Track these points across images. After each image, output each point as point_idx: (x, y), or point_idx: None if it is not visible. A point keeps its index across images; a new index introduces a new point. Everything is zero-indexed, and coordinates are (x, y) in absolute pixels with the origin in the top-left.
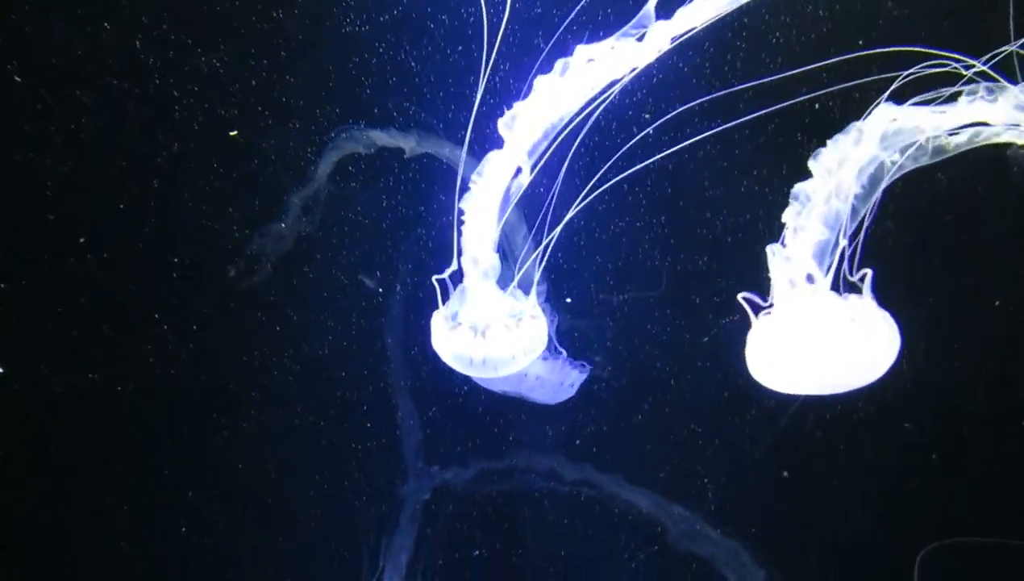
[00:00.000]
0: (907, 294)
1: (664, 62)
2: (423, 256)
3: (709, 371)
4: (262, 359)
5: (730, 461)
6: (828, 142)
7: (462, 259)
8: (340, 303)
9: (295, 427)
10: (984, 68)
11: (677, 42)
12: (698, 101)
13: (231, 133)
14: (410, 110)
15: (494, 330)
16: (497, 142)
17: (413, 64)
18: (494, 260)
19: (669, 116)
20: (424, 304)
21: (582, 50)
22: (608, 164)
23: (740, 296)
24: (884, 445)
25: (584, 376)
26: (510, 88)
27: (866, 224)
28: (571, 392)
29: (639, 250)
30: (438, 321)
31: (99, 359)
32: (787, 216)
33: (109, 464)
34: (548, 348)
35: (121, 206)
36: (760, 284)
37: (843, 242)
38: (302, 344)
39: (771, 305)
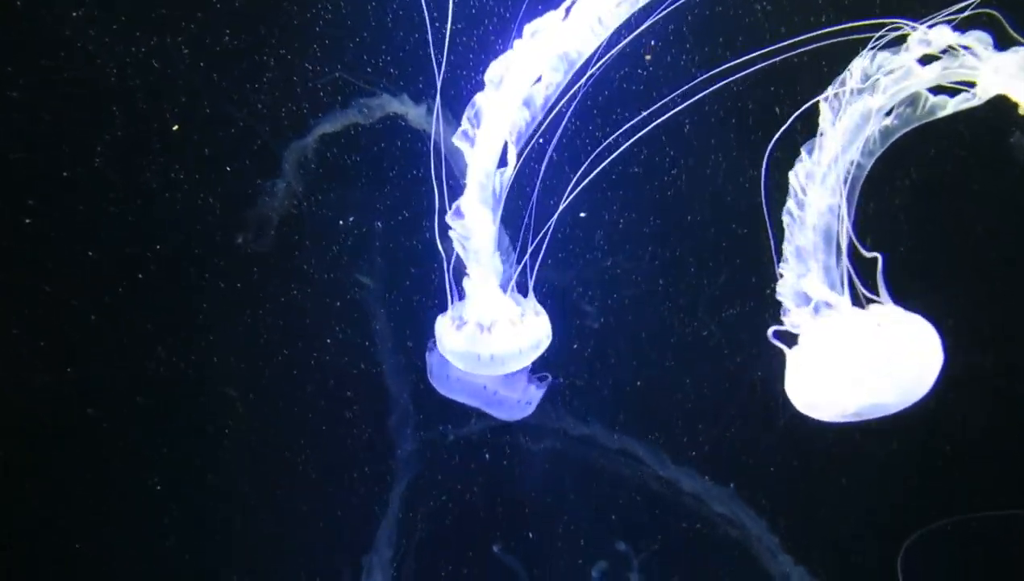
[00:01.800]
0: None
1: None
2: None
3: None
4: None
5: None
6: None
7: (468, 267)
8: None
9: (288, 393)
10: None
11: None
12: (689, 86)
13: (174, 128)
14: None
15: (501, 326)
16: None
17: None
18: (496, 261)
19: (661, 104)
20: (416, 272)
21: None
22: (601, 148)
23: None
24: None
25: (542, 392)
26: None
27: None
28: (529, 409)
29: (633, 233)
30: (442, 324)
31: (95, 352)
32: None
33: (106, 457)
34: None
35: (113, 188)
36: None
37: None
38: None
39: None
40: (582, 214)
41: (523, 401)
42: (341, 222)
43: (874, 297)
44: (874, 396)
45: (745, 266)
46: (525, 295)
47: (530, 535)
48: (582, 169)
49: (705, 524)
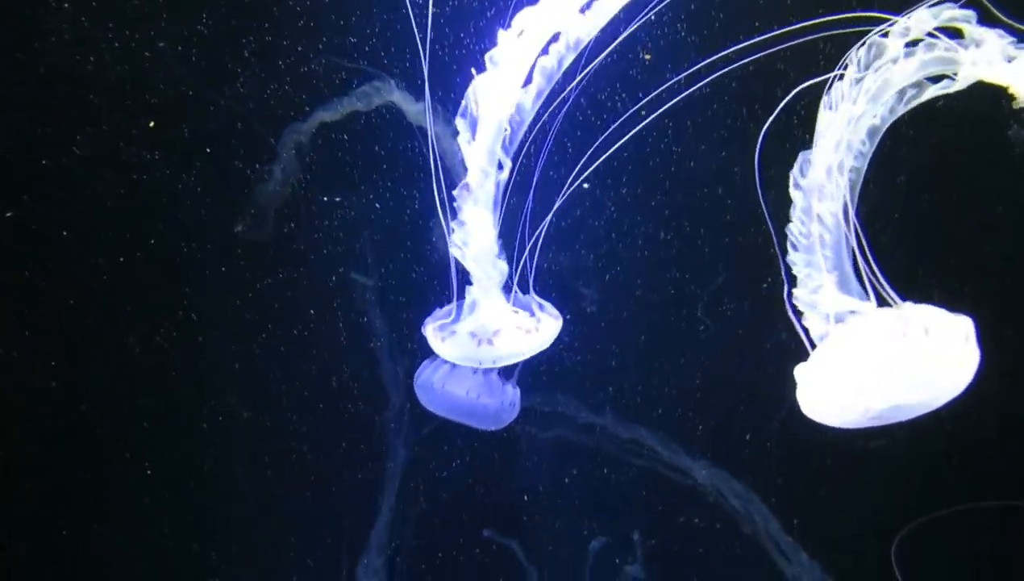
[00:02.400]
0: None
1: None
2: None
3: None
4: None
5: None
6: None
7: (470, 273)
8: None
9: (283, 379)
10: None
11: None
12: (689, 71)
13: (150, 124)
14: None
15: (506, 333)
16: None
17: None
18: (501, 266)
19: (659, 91)
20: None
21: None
22: (602, 138)
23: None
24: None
25: (518, 391)
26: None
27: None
28: (514, 412)
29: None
30: (434, 332)
31: (90, 345)
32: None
33: (103, 454)
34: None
35: (104, 182)
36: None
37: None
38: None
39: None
40: (585, 185)
41: (507, 403)
42: (337, 209)
43: (895, 297)
44: (896, 400)
45: (749, 251)
46: (524, 290)
47: (529, 517)
48: (585, 158)
49: (705, 513)
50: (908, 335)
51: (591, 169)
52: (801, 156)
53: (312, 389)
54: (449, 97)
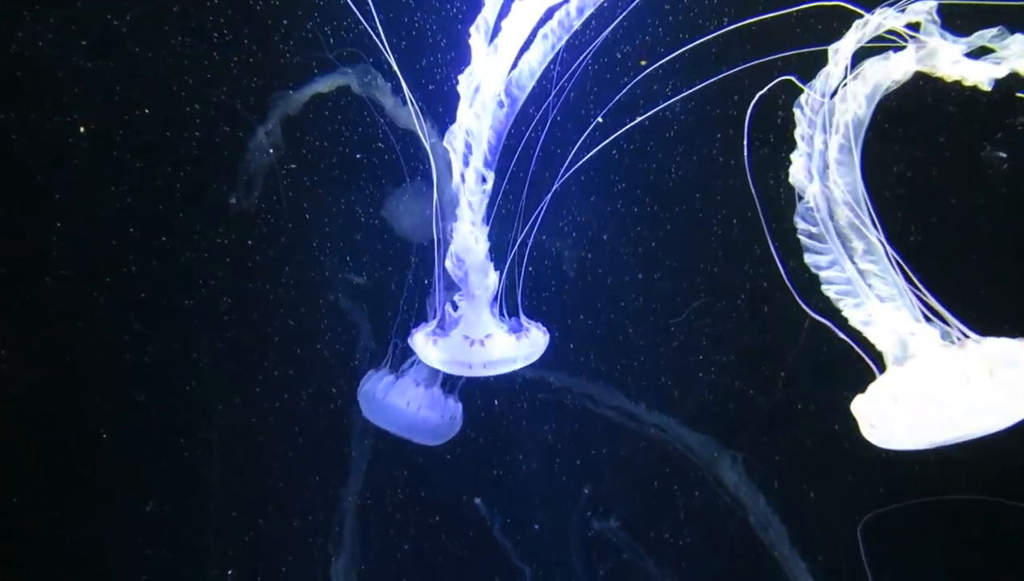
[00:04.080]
0: None
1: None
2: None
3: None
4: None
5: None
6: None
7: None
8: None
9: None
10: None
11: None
12: (647, 65)
13: (80, 129)
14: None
15: (496, 338)
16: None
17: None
18: (492, 277)
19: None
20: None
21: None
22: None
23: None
24: None
25: (460, 406)
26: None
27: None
28: (456, 426)
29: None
30: (422, 338)
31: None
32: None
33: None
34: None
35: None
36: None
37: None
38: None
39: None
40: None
41: (447, 417)
42: (323, 211)
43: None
44: (966, 430)
45: (745, 236)
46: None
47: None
48: (578, 146)
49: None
50: (973, 380)
51: (579, 163)
52: (800, 207)
53: (291, 381)
54: (438, 101)
